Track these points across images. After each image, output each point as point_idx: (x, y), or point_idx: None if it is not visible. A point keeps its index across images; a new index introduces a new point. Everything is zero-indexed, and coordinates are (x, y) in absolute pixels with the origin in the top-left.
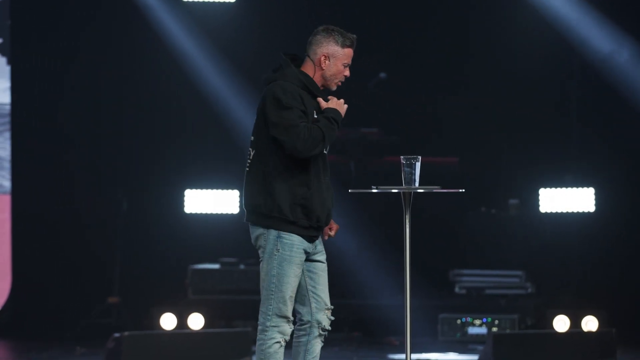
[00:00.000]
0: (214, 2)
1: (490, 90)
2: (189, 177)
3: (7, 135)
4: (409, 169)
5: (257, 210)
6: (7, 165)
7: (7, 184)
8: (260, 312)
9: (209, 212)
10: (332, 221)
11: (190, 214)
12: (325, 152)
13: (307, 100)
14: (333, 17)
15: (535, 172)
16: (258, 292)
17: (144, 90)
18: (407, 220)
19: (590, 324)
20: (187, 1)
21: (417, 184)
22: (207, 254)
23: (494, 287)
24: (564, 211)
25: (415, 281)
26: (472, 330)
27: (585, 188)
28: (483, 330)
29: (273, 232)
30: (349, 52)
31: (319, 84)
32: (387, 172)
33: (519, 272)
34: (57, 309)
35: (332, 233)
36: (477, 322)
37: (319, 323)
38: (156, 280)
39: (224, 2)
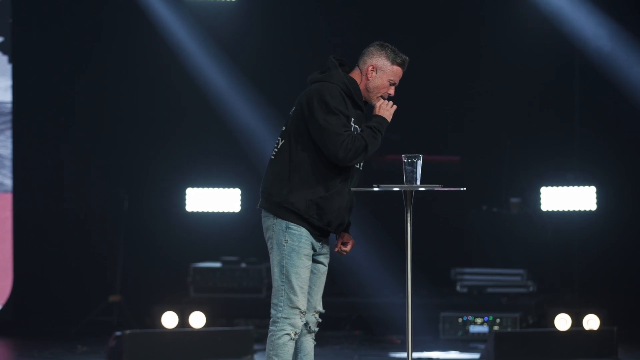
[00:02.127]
0: (215, 1)
1: (491, 89)
2: (190, 176)
3: (9, 133)
4: (410, 168)
5: (271, 198)
6: (9, 163)
7: (8, 182)
8: (272, 304)
9: (210, 210)
10: (347, 235)
11: (192, 212)
12: (360, 168)
13: (349, 106)
14: (336, 16)
15: (536, 170)
16: (259, 291)
17: (145, 88)
18: (409, 219)
19: (591, 322)
20: (189, 0)
21: (418, 183)
22: (209, 252)
23: (495, 286)
24: (566, 209)
25: (417, 279)
26: (473, 328)
27: (586, 186)
28: (485, 328)
29: (282, 223)
30: (398, 70)
31: (363, 94)
32: (389, 170)
33: (520, 271)
34: (58, 307)
35: (346, 249)
36: (479, 320)
37: (306, 323)
38: (157, 278)
39: (226, 1)
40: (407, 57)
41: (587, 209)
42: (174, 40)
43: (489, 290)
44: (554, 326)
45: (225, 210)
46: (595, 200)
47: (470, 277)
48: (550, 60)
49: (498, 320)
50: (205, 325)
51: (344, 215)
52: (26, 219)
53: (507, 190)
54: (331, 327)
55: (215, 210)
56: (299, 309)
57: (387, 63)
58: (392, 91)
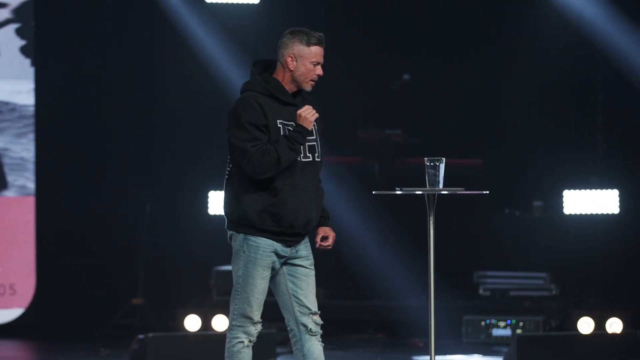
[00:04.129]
0: (237, 4)
1: (514, 91)
2: (212, 179)
3: (31, 137)
4: (433, 171)
5: (229, 217)
6: (31, 166)
7: (31, 185)
8: (229, 310)
9: None
10: (324, 228)
11: (214, 215)
12: (311, 159)
13: (270, 109)
14: (355, 17)
15: (559, 173)
16: None
17: (167, 91)
18: (431, 222)
19: (614, 325)
20: (211, 3)
21: (441, 186)
22: (231, 255)
23: (518, 289)
24: (588, 213)
25: (440, 283)
26: (496, 332)
27: (609, 190)
28: (507, 332)
29: (241, 236)
30: (316, 49)
31: (291, 87)
32: (411, 173)
33: (543, 274)
34: (81, 310)
35: (326, 243)
36: (502, 323)
37: (305, 327)
38: (180, 281)
39: (248, 4)
40: (321, 34)
41: (610, 212)
42: (197, 42)
43: (512, 293)
44: (576, 329)
45: None
46: (618, 204)
47: (493, 280)
48: (573, 63)
49: (521, 324)
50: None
51: (308, 212)
52: (49, 222)
53: (530, 194)
54: (354, 330)
55: None
56: (252, 319)
57: (302, 48)
58: (319, 71)
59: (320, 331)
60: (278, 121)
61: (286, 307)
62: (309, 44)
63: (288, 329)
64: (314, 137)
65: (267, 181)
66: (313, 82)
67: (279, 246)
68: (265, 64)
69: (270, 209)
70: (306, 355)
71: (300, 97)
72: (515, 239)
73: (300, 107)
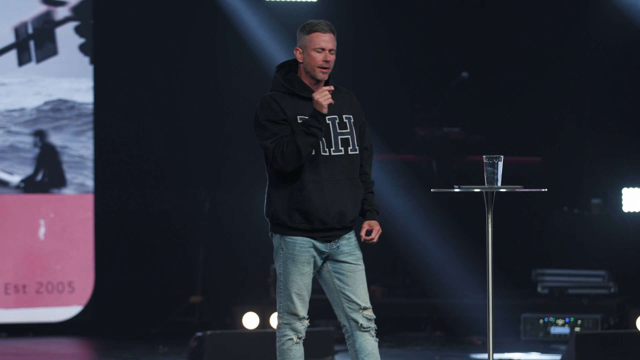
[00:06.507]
0: (296, 2)
1: (572, 89)
2: None
3: (90, 134)
4: (491, 169)
5: (266, 217)
6: (90, 164)
7: (90, 183)
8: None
9: None
10: (368, 222)
11: None
12: (344, 152)
13: (289, 104)
14: (413, 15)
15: (618, 171)
16: None
17: (225, 88)
18: (490, 220)
19: None
20: (269, 1)
21: (499, 184)
22: None
23: (576, 287)
24: None
25: (498, 280)
26: (554, 330)
27: None
28: (566, 330)
29: (278, 235)
30: (317, 36)
31: (310, 80)
32: (470, 171)
33: (601, 272)
34: (139, 307)
35: (370, 237)
36: (560, 321)
37: (356, 322)
38: (239, 279)
39: (306, 2)
40: (324, 21)
41: None
42: (254, 40)
43: (570, 291)
44: (635, 327)
45: None
46: None
47: (551, 278)
48: (633, 58)
49: (579, 322)
50: None
51: (340, 206)
52: (107, 219)
53: (589, 192)
54: (412, 328)
55: None
56: (297, 315)
57: (304, 37)
58: (327, 57)
59: (374, 326)
60: (298, 116)
61: (336, 304)
62: (308, 32)
63: (341, 325)
64: (348, 130)
65: (294, 179)
66: (323, 69)
67: (316, 242)
68: (290, 64)
69: (297, 206)
70: (358, 350)
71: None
72: (574, 237)
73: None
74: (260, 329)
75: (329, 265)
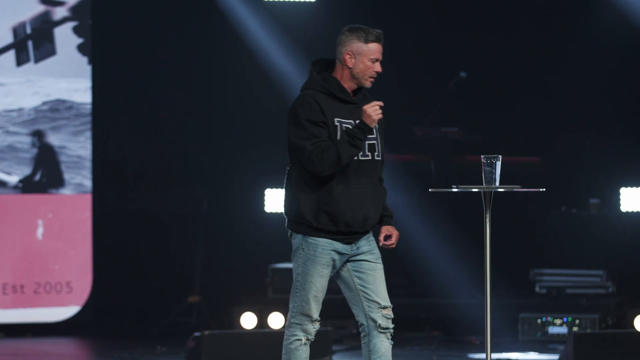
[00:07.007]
0: (294, 2)
1: (571, 89)
2: (269, 177)
3: (88, 134)
4: (489, 168)
5: (288, 216)
6: (88, 164)
7: (88, 183)
8: (289, 308)
9: None
10: (387, 227)
11: (271, 213)
12: (370, 157)
13: (328, 106)
14: (412, 15)
15: (616, 171)
16: (337, 292)
17: (223, 88)
18: (488, 220)
19: None
20: (268, 1)
21: (497, 183)
22: (288, 253)
23: (574, 287)
24: None
25: (496, 280)
26: (552, 329)
27: None
28: (564, 329)
29: (300, 235)
30: (375, 46)
31: (350, 84)
32: (469, 171)
33: (599, 272)
34: (137, 308)
35: (389, 242)
36: (558, 321)
37: (374, 322)
38: (236, 279)
39: (305, 2)
40: (379, 31)
41: None
42: (253, 40)
43: (568, 291)
44: (633, 327)
45: None
46: None
47: (549, 278)
48: (632, 58)
49: (577, 322)
50: (284, 327)
51: (365, 210)
52: (105, 219)
53: (587, 191)
54: (411, 328)
55: None
56: (310, 317)
57: (361, 45)
58: (378, 68)
59: (391, 327)
60: (336, 119)
61: (355, 303)
62: (367, 41)
63: (358, 324)
64: (375, 136)
65: (323, 180)
66: (372, 79)
67: (338, 244)
68: (325, 63)
69: (325, 207)
70: (372, 351)
71: (360, 94)
72: (572, 237)
73: (360, 106)
74: (258, 329)
75: (348, 265)
